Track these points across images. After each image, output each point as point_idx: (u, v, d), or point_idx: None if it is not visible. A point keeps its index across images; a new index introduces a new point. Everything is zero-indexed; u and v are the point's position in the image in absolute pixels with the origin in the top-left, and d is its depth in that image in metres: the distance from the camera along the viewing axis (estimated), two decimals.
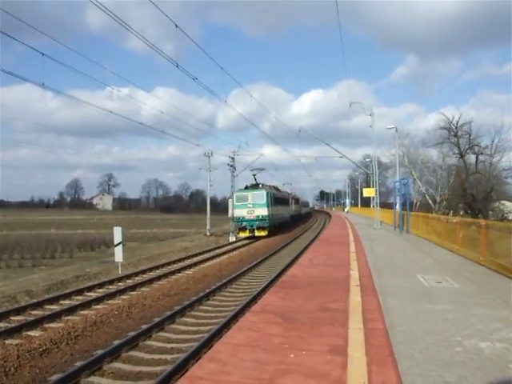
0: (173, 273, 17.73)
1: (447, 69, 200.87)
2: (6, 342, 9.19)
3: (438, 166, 62.28)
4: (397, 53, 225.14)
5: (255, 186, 38.36)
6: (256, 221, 35.03)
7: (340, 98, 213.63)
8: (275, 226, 39.09)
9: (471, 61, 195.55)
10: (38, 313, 11.78)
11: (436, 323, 6.66)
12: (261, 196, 35.91)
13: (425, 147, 63.24)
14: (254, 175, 40.17)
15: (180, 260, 21.90)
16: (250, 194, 36.13)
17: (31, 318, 10.92)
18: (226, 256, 23.72)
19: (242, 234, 35.38)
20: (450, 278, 10.52)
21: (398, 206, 29.85)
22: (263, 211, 35.29)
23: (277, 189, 48.25)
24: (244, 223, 35.37)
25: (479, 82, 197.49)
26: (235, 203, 36.28)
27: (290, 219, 52.87)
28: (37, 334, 9.67)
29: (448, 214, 47.12)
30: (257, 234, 34.81)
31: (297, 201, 69.62)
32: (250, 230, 34.99)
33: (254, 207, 35.34)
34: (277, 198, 41.71)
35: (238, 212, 35.72)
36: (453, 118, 56.48)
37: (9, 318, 11.20)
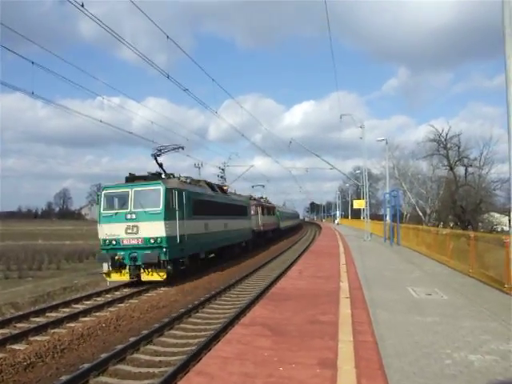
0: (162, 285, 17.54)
1: (438, 81, 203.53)
2: None
3: (428, 178, 62.70)
4: (389, 65, 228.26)
5: (153, 177, 18.56)
6: (142, 249, 16.84)
7: (331, 110, 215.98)
8: (196, 258, 20.80)
9: (462, 73, 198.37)
10: (23, 325, 11.57)
11: (426, 336, 6.64)
12: (154, 196, 17.13)
13: (415, 159, 63.77)
14: (158, 153, 19.93)
15: None
16: (131, 192, 17.27)
17: (16, 331, 10.72)
18: None
19: (117, 278, 17.21)
20: (440, 289, 10.53)
21: (388, 217, 29.96)
22: (157, 229, 16.81)
23: (221, 189, 28.51)
24: (119, 253, 16.97)
25: (470, 94, 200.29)
26: (102, 211, 17.81)
27: (253, 238, 34.58)
28: (21, 348, 9.48)
29: (438, 226, 47.32)
30: (144, 277, 17.00)
31: (269, 210, 45.48)
32: (130, 268, 16.90)
33: (137, 220, 16.94)
34: (207, 203, 22.67)
35: (108, 230, 17.29)
36: (442, 131, 57.03)
37: None
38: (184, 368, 7.86)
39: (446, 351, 5.87)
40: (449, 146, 57.05)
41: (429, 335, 6.67)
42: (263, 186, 42.81)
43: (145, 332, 10.64)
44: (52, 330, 10.88)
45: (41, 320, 12.12)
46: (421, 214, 60.54)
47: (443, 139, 57.00)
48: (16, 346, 9.61)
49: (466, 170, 57.37)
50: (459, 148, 56.62)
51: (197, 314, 12.83)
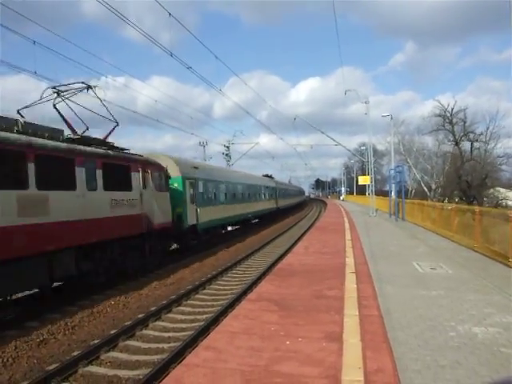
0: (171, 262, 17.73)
1: (445, 55, 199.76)
2: (4, 332, 9.20)
3: (434, 154, 62.41)
4: (395, 40, 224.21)
5: None
6: None
7: (337, 86, 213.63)
8: None
9: (470, 47, 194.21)
10: (34, 303, 11.78)
11: (430, 309, 6.73)
12: None
13: (420, 135, 63.38)
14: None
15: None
16: None
17: (29, 309, 10.94)
18: None
19: None
20: (445, 264, 10.61)
21: (393, 193, 29.94)
22: None
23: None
24: None
25: (477, 68, 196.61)
26: None
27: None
28: (34, 325, 9.68)
29: (443, 201, 47.30)
30: None
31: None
32: None
33: None
34: None
35: None
36: (448, 106, 56.53)
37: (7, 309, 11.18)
38: (192, 343, 8.04)
39: (450, 324, 5.96)
40: (454, 120, 56.70)
41: (433, 309, 6.76)
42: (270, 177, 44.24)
43: (153, 309, 10.83)
44: (63, 308, 11.05)
45: (52, 298, 12.29)
46: (426, 189, 60.46)
47: (449, 114, 56.64)
48: (29, 323, 9.80)
49: (471, 144, 57.05)
50: (465, 123, 56.25)
51: (204, 291, 13.02)
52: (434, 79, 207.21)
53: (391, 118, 37.24)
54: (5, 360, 7.77)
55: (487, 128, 54.66)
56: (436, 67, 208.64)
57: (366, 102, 31.62)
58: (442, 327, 5.84)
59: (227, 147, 41.41)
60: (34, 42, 13.50)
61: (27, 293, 11.67)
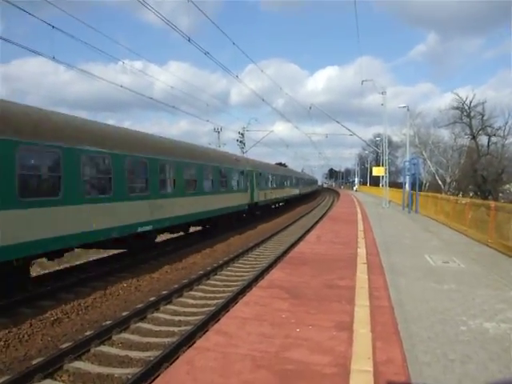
0: (181, 248, 17.87)
1: (468, 47, 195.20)
2: (20, 310, 9.42)
3: (449, 147, 61.75)
4: (417, 30, 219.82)
5: None
6: None
7: (355, 76, 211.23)
8: None
9: (494, 39, 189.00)
10: (49, 283, 11.99)
11: (442, 302, 6.72)
12: None
13: (436, 127, 62.67)
14: None
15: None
16: None
17: (43, 289, 11.14)
18: None
19: None
20: (457, 258, 10.55)
21: (407, 185, 29.74)
22: None
23: None
24: None
25: (500, 61, 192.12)
26: None
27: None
28: (49, 304, 9.87)
29: (457, 195, 46.87)
30: None
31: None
32: None
33: None
34: None
35: None
36: (466, 99, 55.74)
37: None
38: (203, 327, 8.14)
39: (461, 318, 5.95)
40: (472, 114, 55.97)
41: (445, 302, 6.75)
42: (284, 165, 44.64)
43: (164, 292, 10.96)
44: (77, 289, 11.24)
45: (66, 279, 12.50)
46: (440, 182, 59.95)
47: (467, 107, 55.85)
48: (44, 303, 10.00)
49: (489, 139, 56.35)
50: (483, 116, 55.50)
51: (215, 276, 13.12)
52: (454, 71, 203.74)
53: (408, 110, 36.87)
54: (21, 336, 7.98)
55: (506, 122, 54.01)
56: (457, 59, 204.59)
57: (382, 93, 31.34)
58: (452, 321, 5.83)
59: (242, 134, 41.38)
60: (53, 26, 13.52)
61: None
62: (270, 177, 35.34)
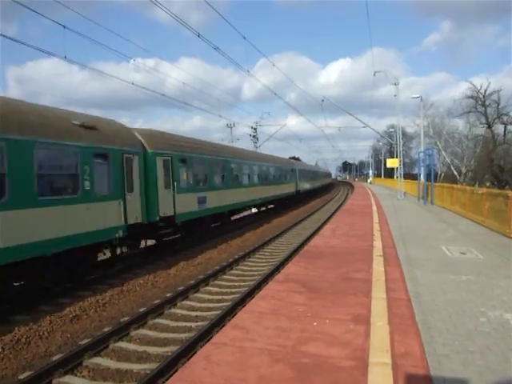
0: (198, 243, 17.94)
1: (484, 34, 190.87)
2: (40, 308, 9.56)
3: (464, 137, 60.98)
4: (431, 19, 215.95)
5: None
6: None
7: (368, 67, 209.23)
8: None
9: (509, 25, 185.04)
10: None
11: (460, 294, 6.65)
12: None
13: (451, 117, 61.86)
14: None
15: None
16: None
17: (62, 287, 11.28)
18: None
19: None
20: (475, 249, 10.43)
21: (422, 176, 29.46)
22: None
23: None
24: None
25: None
26: None
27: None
28: (67, 301, 9.99)
29: (473, 186, 46.32)
30: None
31: None
32: None
33: None
34: None
35: None
36: (481, 87, 54.91)
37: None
38: (220, 322, 8.17)
39: (480, 309, 5.88)
40: (487, 102, 55.09)
41: (463, 294, 6.68)
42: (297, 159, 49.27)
43: (181, 288, 11.02)
44: (94, 286, 11.35)
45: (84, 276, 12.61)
46: (456, 173, 59.30)
47: (481, 96, 54.98)
48: (62, 300, 10.13)
49: (505, 127, 55.46)
50: (498, 105, 54.60)
51: (231, 271, 13.15)
52: (469, 60, 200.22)
53: (421, 100, 36.47)
54: (41, 333, 8.11)
55: None
56: (473, 47, 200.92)
57: (395, 84, 31.01)
58: (471, 312, 5.77)
59: (254, 129, 41.41)
60: (64, 26, 13.59)
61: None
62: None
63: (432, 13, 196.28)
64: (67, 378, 6.45)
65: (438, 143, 60.95)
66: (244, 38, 19.55)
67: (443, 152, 61.56)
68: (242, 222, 26.17)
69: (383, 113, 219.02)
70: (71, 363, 6.74)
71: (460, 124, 62.57)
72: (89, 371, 6.73)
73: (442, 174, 63.29)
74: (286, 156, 51.80)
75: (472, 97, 55.84)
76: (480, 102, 55.57)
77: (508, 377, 3.99)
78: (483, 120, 56.20)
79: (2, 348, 7.41)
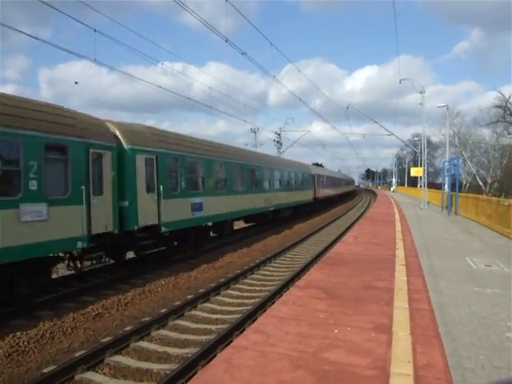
0: (219, 246, 18.01)
1: None
2: (64, 305, 9.75)
3: (491, 147, 59.79)
4: (460, 27, 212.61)
5: None
6: None
7: (395, 75, 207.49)
8: None
9: None
10: (92, 278, 12.33)
11: (485, 307, 6.54)
12: None
13: (477, 127, 60.77)
14: None
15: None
16: None
17: (86, 285, 11.48)
18: None
19: None
20: (501, 261, 10.24)
21: (446, 186, 29.03)
22: None
23: None
24: None
25: None
26: None
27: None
28: (91, 300, 10.16)
29: (499, 197, 45.42)
30: None
31: None
32: None
33: None
34: None
35: None
36: (509, 96, 53.81)
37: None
38: (240, 326, 8.19)
39: (506, 324, 5.77)
40: None
41: (488, 306, 6.56)
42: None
43: (202, 290, 11.09)
44: (117, 286, 11.51)
45: (108, 276, 12.79)
46: (481, 183, 58.24)
47: (510, 105, 53.87)
48: (86, 298, 10.31)
49: None
50: None
51: (252, 276, 13.17)
52: (498, 69, 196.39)
53: (447, 109, 35.99)
54: (64, 329, 8.28)
55: None
56: (502, 56, 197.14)
57: (421, 92, 30.67)
58: (497, 326, 5.66)
59: (278, 134, 41.48)
60: (95, 30, 13.87)
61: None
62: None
63: (461, 21, 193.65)
64: (89, 375, 6.55)
65: (463, 153, 60.00)
66: (271, 43, 19.64)
67: (469, 162, 60.55)
68: (261, 227, 26.09)
69: (409, 121, 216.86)
70: (93, 360, 6.85)
71: (486, 134, 61.47)
72: (110, 369, 6.83)
73: (467, 185, 62.19)
74: (310, 162, 51.15)
75: (500, 106, 54.73)
76: (508, 112, 54.45)
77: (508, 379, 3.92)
78: (511, 130, 55.11)
79: (28, 342, 7.59)
